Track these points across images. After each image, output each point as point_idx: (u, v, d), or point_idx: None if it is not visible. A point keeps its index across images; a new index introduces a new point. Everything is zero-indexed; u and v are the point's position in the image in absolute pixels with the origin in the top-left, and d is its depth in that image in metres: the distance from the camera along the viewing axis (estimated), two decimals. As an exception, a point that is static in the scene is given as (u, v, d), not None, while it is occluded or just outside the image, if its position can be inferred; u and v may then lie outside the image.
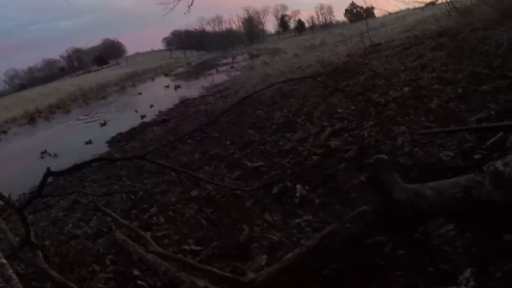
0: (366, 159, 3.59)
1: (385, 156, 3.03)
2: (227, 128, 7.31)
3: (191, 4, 10.39)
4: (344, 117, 5.06)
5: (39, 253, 3.75)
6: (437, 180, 2.52)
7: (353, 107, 5.37)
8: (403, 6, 13.32)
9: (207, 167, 5.67)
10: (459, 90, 4.87)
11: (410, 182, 2.74)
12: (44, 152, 16.06)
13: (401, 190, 2.62)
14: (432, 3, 11.43)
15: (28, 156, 16.65)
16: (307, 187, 3.76)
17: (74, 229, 5.51)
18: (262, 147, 5.42)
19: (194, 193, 4.87)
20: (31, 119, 34.31)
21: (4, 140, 26.15)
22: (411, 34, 12.07)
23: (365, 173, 3.40)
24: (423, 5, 11.92)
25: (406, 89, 5.66)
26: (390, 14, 19.89)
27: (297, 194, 3.69)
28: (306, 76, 7.97)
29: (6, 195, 3.96)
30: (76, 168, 6.08)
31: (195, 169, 5.85)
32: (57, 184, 10.00)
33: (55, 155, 15.18)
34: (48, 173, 3.44)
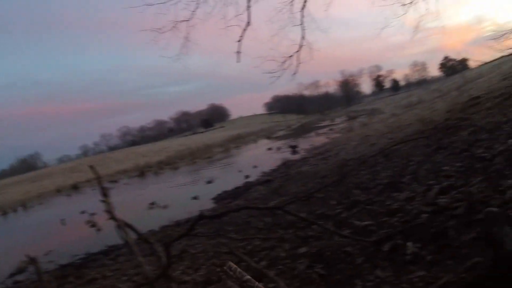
0: (476, 215, 3.63)
1: (495, 209, 3.08)
2: (331, 189, 7.55)
3: (295, 72, 11.23)
4: (451, 175, 5.06)
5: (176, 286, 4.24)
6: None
7: (458, 164, 5.34)
8: (497, 54, 12.67)
9: (315, 226, 5.84)
10: None
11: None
12: (153, 203, 17.51)
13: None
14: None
15: (138, 206, 17.96)
16: (418, 245, 3.84)
17: (182, 275, 5.89)
18: (369, 207, 5.56)
19: (302, 250, 5.16)
20: (141, 172, 37.54)
21: (115, 189, 28.83)
22: (509, 83, 11.37)
23: (476, 229, 3.44)
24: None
25: (510, 141, 5.46)
26: (485, 63, 18.92)
27: (408, 251, 3.79)
28: (412, 138, 8.07)
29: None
30: (225, 214, 6.87)
31: (303, 227, 6.15)
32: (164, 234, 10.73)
33: (164, 207, 16.45)
34: (201, 216, 4.14)
